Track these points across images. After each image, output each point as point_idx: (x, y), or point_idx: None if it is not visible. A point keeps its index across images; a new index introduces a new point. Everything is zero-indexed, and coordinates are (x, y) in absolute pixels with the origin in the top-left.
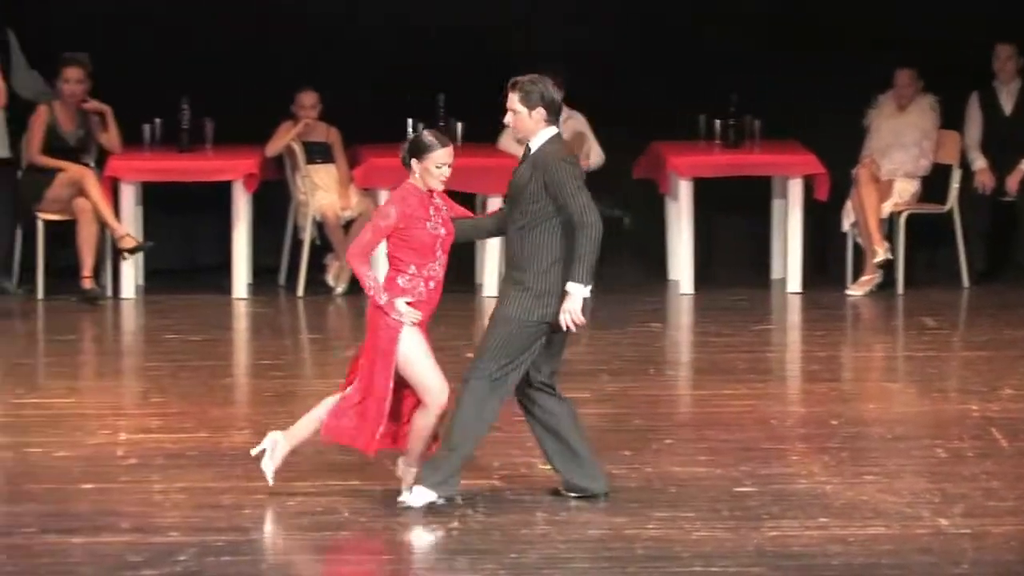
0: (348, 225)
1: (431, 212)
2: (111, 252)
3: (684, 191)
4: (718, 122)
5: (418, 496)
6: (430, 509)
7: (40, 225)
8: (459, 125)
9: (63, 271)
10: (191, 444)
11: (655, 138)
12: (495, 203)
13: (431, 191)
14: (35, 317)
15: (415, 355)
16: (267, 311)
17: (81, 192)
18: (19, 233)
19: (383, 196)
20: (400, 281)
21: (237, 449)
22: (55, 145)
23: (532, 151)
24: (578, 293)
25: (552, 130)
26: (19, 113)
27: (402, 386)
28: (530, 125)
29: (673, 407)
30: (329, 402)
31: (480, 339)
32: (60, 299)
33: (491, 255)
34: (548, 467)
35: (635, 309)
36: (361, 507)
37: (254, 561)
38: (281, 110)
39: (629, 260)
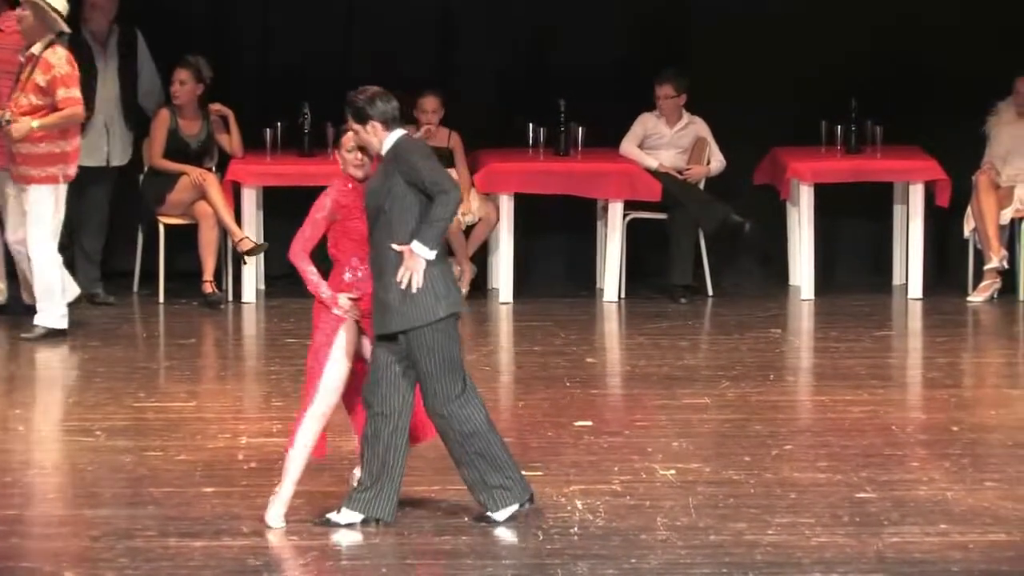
0: (469, 230)
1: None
2: (232, 256)
3: (805, 197)
4: (839, 128)
5: (502, 515)
6: (551, 514)
7: (161, 229)
8: (580, 130)
9: (184, 275)
10: None
11: (775, 144)
12: (616, 208)
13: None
14: (156, 321)
15: (340, 354)
16: None
17: (202, 196)
18: (140, 237)
19: (504, 201)
20: (347, 277)
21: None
22: (177, 149)
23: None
24: (423, 255)
25: (397, 132)
26: (139, 117)
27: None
28: (371, 139)
29: (793, 413)
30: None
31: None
32: (181, 303)
33: (612, 259)
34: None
35: (755, 315)
36: (482, 511)
37: (375, 566)
38: (403, 114)
39: (749, 265)
